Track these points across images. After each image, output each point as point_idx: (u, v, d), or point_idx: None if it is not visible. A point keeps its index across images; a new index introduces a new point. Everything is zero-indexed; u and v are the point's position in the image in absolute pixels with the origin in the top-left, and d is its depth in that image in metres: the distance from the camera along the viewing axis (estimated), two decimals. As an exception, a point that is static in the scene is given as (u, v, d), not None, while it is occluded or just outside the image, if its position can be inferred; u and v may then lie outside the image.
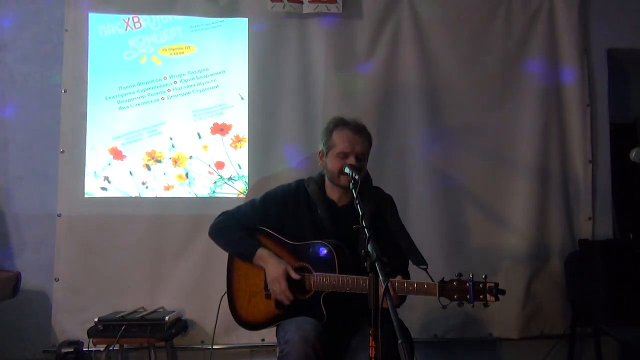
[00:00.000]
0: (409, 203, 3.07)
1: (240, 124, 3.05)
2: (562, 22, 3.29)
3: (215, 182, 3.02)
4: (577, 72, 3.28)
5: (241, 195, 3.06)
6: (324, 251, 2.12)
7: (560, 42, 3.29)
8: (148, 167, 3.01)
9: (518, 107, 3.25)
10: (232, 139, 3.05)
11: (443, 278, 1.94)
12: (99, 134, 3.00)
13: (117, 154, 3.00)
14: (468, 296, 1.89)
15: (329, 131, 2.25)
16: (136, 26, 3.01)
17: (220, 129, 3.05)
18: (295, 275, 2.13)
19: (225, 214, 2.36)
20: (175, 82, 3.04)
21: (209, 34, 3.07)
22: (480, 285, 1.89)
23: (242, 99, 3.06)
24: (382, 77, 3.19)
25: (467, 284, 1.89)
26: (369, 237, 1.63)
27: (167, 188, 3.01)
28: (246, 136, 3.07)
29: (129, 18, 3.03)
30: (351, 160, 2.16)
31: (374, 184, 2.38)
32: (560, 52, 3.29)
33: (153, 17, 3.05)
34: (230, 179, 3.03)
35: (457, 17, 3.26)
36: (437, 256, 3.01)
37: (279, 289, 2.11)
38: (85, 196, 3.01)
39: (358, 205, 1.83)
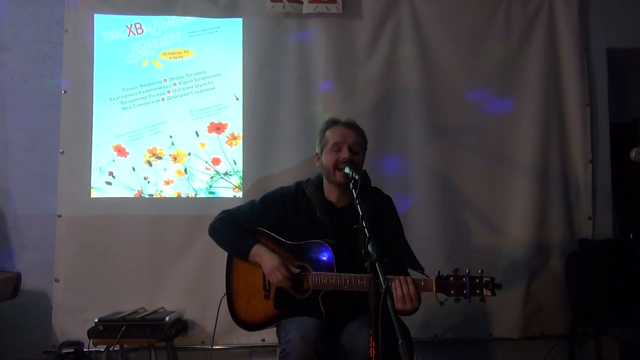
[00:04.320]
0: (409, 203, 3.08)
1: (235, 123, 3.14)
2: (562, 22, 3.29)
3: (212, 177, 3.11)
4: (577, 72, 3.27)
5: (237, 190, 3.10)
6: (322, 250, 2.13)
7: (560, 42, 3.29)
8: (149, 163, 3.09)
9: (518, 107, 3.25)
10: (227, 136, 3.13)
11: (439, 273, 1.95)
12: (104, 133, 3.08)
13: (120, 151, 3.08)
14: (465, 291, 1.90)
15: (323, 132, 2.31)
16: (138, 32, 3.12)
17: (217, 128, 3.13)
18: (293, 268, 2.13)
19: (225, 213, 2.37)
20: (174, 84, 3.13)
21: (206, 39, 3.17)
22: (477, 280, 1.90)
23: (237, 99, 3.14)
24: (382, 77, 3.19)
25: (464, 279, 1.90)
26: (369, 238, 1.63)
27: (167, 183, 3.09)
28: (241, 134, 3.12)
29: (131, 24, 3.12)
30: (344, 152, 2.19)
31: (373, 184, 2.38)
32: (560, 52, 3.29)
33: (154, 23, 3.14)
34: (226, 174, 3.11)
35: (457, 17, 3.26)
36: (437, 256, 3.02)
37: (280, 276, 2.12)
38: (88, 194, 3.03)
39: (358, 206, 1.84)
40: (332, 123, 2.32)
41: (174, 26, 3.15)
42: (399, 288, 1.92)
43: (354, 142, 2.23)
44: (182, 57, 3.14)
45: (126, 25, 3.12)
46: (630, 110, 3.63)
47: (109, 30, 3.11)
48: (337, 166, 2.19)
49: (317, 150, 2.32)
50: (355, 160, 2.20)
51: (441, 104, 3.21)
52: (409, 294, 1.92)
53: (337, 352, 2.05)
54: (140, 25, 3.13)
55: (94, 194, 3.04)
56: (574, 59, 3.27)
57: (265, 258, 2.17)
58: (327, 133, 2.28)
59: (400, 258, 2.18)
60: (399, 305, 1.90)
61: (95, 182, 3.05)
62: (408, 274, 2.15)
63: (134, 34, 3.12)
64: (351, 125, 2.29)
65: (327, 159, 2.23)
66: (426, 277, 1.97)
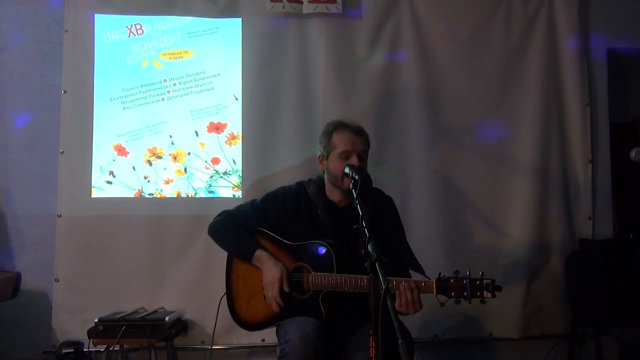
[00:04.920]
0: (409, 203, 3.07)
1: (235, 123, 3.15)
2: (562, 22, 3.28)
3: (211, 177, 3.12)
4: (577, 72, 3.27)
5: (236, 189, 3.11)
6: (322, 251, 2.13)
7: (560, 42, 3.29)
8: (150, 163, 3.10)
9: (518, 107, 3.25)
10: (227, 136, 3.15)
11: (440, 274, 1.94)
12: (105, 132, 3.10)
13: (121, 151, 3.10)
14: (465, 293, 1.90)
15: (328, 134, 2.26)
16: (138, 33, 3.14)
17: (216, 128, 3.14)
18: (286, 288, 2.13)
19: (225, 213, 2.37)
20: (174, 84, 3.15)
21: (206, 39, 3.18)
22: (477, 282, 1.90)
23: (236, 99, 3.15)
24: (382, 77, 3.19)
25: (464, 281, 1.90)
26: (369, 238, 1.63)
27: (167, 182, 3.10)
28: (240, 134, 3.13)
29: (131, 25, 3.14)
30: (353, 159, 2.16)
31: (374, 184, 2.38)
32: (560, 52, 3.28)
33: (154, 24, 3.15)
34: (225, 173, 3.13)
35: (457, 17, 3.26)
36: (437, 256, 3.02)
37: (272, 294, 2.13)
38: (88, 194, 3.03)
39: (358, 206, 1.83)
40: (339, 126, 2.25)
41: (174, 27, 3.16)
42: (404, 294, 1.92)
43: (362, 149, 2.21)
44: (181, 57, 3.16)
45: (126, 26, 3.13)
46: (630, 110, 3.63)
47: (109, 31, 3.12)
48: (345, 174, 2.14)
49: (321, 152, 2.28)
50: (362, 168, 2.17)
51: (441, 104, 3.20)
52: (412, 299, 1.92)
53: None
54: (141, 26, 3.14)
55: (95, 193, 3.05)
56: (574, 59, 3.27)
57: (266, 266, 2.17)
58: (334, 138, 2.23)
59: (401, 259, 2.18)
60: (402, 309, 1.91)
61: (96, 181, 3.06)
62: (409, 275, 2.16)
63: (134, 35, 3.13)
64: (360, 132, 2.24)
65: (334, 166, 2.20)
66: (427, 279, 1.97)
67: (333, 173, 2.21)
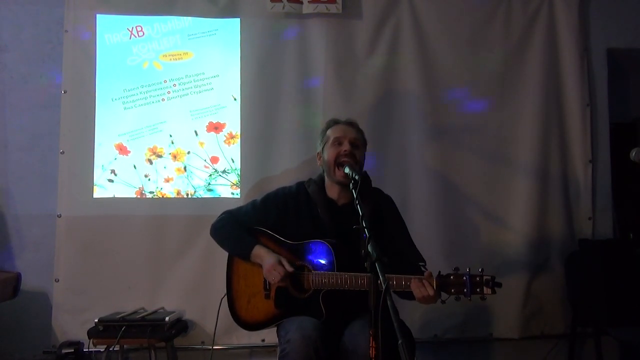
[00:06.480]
0: (409, 203, 3.07)
1: (233, 123, 3.17)
2: (562, 22, 3.29)
3: (210, 175, 3.14)
4: (577, 72, 3.27)
5: (234, 187, 3.12)
6: (322, 250, 2.13)
7: (560, 42, 3.29)
8: (150, 162, 3.12)
9: (518, 107, 3.25)
10: (225, 136, 3.16)
11: (440, 272, 1.95)
12: (106, 132, 3.12)
13: (122, 150, 3.12)
14: (465, 289, 1.90)
15: (324, 131, 2.35)
16: (139, 35, 3.17)
17: (215, 127, 3.16)
18: (288, 266, 2.13)
19: (226, 213, 2.38)
20: (174, 85, 3.16)
21: (205, 41, 3.20)
22: (477, 279, 1.91)
23: (235, 99, 3.17)
24: (382, 77, 3.19)
25: (464, 278, 1.90)
26: (369, 238, 1.63)
27: (167, 180, 3.11)
28: (238, 133, 3.15)
29: (132, 27, 3.16)
30: (346, 145, 2.22)
31: (374, 183, 2.39)
32: (560, 52, 3.29)
33: (154, 26, 3.17)
34: (224, 172, 3.14)
35: (457, 17, 3.26)
36: (437, 256, 3.01)
37: (277, 275, 2.11)
38: (88, 194, 3.04)
39: (358, 206, 1.84)
40: (333, 122, 2.36)
41: (174, 28, 3.18)
42: (421, 288, 1.93)
43: (355, 137, 2.28)
44: (181, 58, 3.17)
45: (127, 28, 3.15)
46: (630, 110, 3.64)
47: (110, 33, 3.14)
48: (338, 160, 2.20)
49: (319, 149, 2.34)
50: (356, 155, 2.22)
51: (441, 104, 3.20)
52: (427, 296, 1.93)
53: (340, 352, 2.05)
54: (141, 28, 3.16)
55: (97, 190, 3.06)
56: (574, 59, 3.27)
57: (265, 258, 2.17)
58: (329, 131, 2.32)
59: (406, 255, 2.19)
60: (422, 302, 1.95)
61: (98, 179, 3.07)
62: (419, 269, 2.13)
63: (135, 37, 3.15)
64: (352, 124, 2.33)
65: (328, 154, 2.26)
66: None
67: (327, 161, 2.26)
